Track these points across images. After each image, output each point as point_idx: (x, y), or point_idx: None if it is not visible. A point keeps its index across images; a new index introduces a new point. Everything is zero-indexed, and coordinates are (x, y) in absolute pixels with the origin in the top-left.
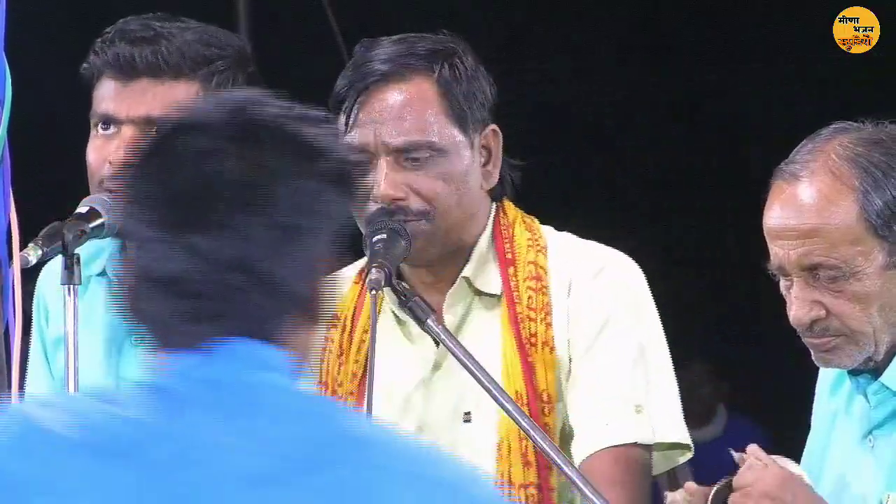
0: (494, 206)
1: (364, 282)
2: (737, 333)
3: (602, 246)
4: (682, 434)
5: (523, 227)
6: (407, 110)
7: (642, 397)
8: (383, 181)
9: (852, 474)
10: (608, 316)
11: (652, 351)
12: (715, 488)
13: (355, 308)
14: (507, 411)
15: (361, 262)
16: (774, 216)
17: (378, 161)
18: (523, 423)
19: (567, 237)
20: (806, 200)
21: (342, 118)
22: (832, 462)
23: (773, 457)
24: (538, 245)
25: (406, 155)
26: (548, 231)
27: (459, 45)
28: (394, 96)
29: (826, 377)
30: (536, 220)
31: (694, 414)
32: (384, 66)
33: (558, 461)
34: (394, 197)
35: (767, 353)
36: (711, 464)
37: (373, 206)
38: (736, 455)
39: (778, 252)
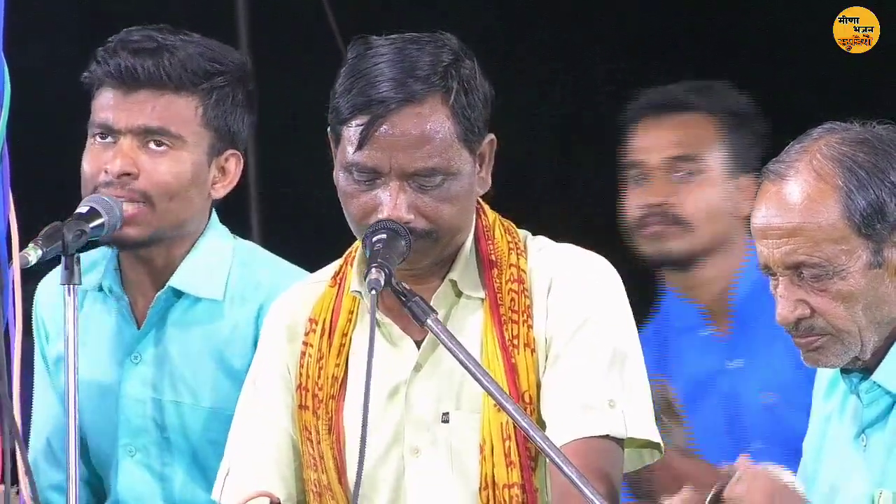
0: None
1: (340, 283)
2: None
3: (579, 248)
4: (653, 433)
5: (502, 229)
6: (424, 137)
7: (616, 393)
8: (393, 204)
9: (846, 473)
10: (587, 316)
11: (628, 352)
12: (710, 494)
13: (333, 311)
14: (507, 411)
15: (336, 265)
16: (760, 215)
17: (389, 181)
18: (523, 423)
19: (543, 241)
20: (790, 200)
21: (348, 133)
22: (827, 462)
23: (765, 465)
24: (518, 248)
25: (419, 179)
26: (525, 234)
27: (459, 47)
28: (411, 121)
29: (822, 379)
30: (513, 224)
31: None
32: (400, 92)
33: (557, 461)
34: (404, 220)
35: None
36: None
37: (376, 221)
38: (725, 466)
39: (763, 251)
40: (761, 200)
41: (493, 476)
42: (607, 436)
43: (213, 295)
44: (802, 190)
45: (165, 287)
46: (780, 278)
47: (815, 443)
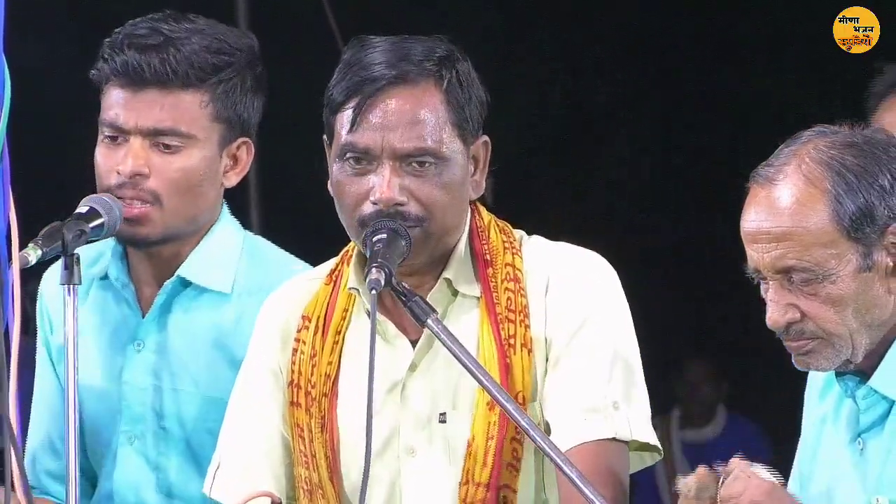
0: (469, 209)
1: (335, 281)
2: (736, 333)
3: (575, 247)
4: (653, 436)
5: (497, 230)
6: (417, 117)
7: (620, 395)
8: (386, 184)
9: (841, 477)
10: (587, 315)
11: (627, 351)
12: (723, 475)
13: (327, 308)
14: (506, 410)
15: (332, 262)
16: (749, 219)
17: (381, 163)
18: (523, 423)
19: (539, 239)
20: (779, 204)
21: (342, 119)
22: (822, 466)
23: (754, 468)
24: (514, 247)
25: (411, 161)
26: (520, 234)
27: (455, 48)
28: (404, 101)
29: (815, 382)
30: (509, 224)
31: (694, 414)
32: (393, 70)
33: (557, 460)
34: (396, 200)
35: (767, 354)
36: (711, 463)
37: (369, 208)
38: (719, 468)
39: (753, 255)
40: (751, 204)
41: (474, 474)
42: (613, 438)
43: (222, 288)
44: (791, 194)
45: (174, 276)
46: (771, 282)
47: (809, 445)
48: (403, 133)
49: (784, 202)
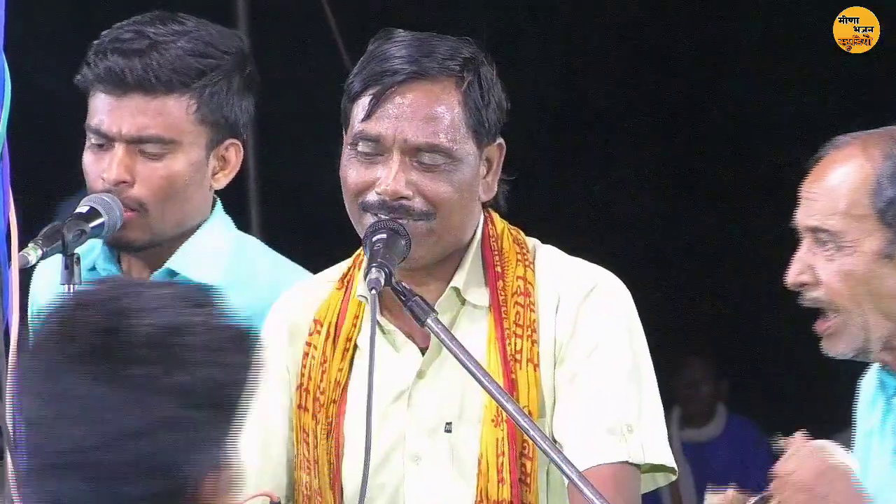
0: (482, 216)
1: (347, 286)
2: (736, 333)
3: (589, 264)
4: (668, 457)
5: (511, 239)
6: (433, 113)
7: (633, 417)
8: (392, 177)
9: (885, 490)
10: (600, 336)
11: (642, 372)
12: (754, 500)
13: (339, 314)
14: (507, 412)
15: (344, 266)
16: (808, 179)
17: (391, 155)
18: (523, 423)
19: (553, 251)
20: (830, 166)
21: (357, 107)
22: (870, 479)
23: (822, 444)
24: (526, 259)
25: (421, 156)
26: (534, 244)
27: (482, 54)
28: (421, 96)
29: (864, 394)
30: (522, 233)
31: (694, 414)
32: (414, 66)
33: (558, 461)
34: (401, 194)
35: (767, 354)
36: (711, 463)
37: (373, 196)
38: (781, 441)
39: (797, 210)
40: (814, 166)
41: (488, 491)
42: (626, 461)
43: (210, 280)
44: (843, 161)
45: (162, 268)
46: (804, 241)
47: (859, 459)
48: (418, 126)
49: (834, 166)
